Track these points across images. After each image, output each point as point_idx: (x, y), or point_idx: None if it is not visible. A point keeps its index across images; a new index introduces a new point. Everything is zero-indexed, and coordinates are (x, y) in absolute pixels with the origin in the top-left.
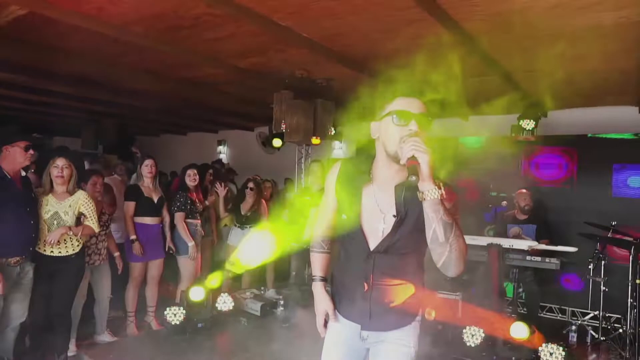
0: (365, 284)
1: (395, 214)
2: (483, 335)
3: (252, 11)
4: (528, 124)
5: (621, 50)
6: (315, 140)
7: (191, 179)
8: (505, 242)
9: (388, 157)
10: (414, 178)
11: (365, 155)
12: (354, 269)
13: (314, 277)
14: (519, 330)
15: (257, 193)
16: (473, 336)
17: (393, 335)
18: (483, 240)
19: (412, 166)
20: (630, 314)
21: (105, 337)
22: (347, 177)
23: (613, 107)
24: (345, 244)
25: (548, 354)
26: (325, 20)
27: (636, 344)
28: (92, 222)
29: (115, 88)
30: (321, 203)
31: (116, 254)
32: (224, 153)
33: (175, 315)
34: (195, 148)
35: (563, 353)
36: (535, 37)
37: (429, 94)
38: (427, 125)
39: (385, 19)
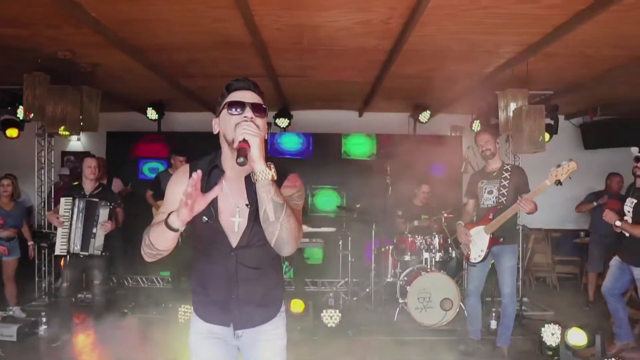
0: (231, 283)
1: (247, 202)
2: None
3: None
4: (283, 122)
5: (366, 68)
6: (69, 132)
7: None
8: None
9: (231, 149)
10: (241, 159)
11: (212, 154)
12: (217, 270)
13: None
14: (297, 305)
15: None
16: None
17: (266, 331)
18: None
19: (241, 149)
20: (371, 276)
21: None
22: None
23: (342, 111)
24: (205, 248)
25: (329, 318)
26: (125, 3)
27: (383, 298)
28: None
29: None
30: (160, 215)
31: None
32: None
33: None
34: None
35: (340, 315)
36: (315, 50)
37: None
38: (261, 113)
39: (194, 13)
